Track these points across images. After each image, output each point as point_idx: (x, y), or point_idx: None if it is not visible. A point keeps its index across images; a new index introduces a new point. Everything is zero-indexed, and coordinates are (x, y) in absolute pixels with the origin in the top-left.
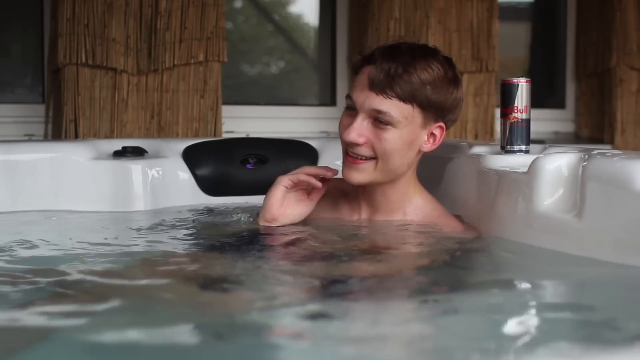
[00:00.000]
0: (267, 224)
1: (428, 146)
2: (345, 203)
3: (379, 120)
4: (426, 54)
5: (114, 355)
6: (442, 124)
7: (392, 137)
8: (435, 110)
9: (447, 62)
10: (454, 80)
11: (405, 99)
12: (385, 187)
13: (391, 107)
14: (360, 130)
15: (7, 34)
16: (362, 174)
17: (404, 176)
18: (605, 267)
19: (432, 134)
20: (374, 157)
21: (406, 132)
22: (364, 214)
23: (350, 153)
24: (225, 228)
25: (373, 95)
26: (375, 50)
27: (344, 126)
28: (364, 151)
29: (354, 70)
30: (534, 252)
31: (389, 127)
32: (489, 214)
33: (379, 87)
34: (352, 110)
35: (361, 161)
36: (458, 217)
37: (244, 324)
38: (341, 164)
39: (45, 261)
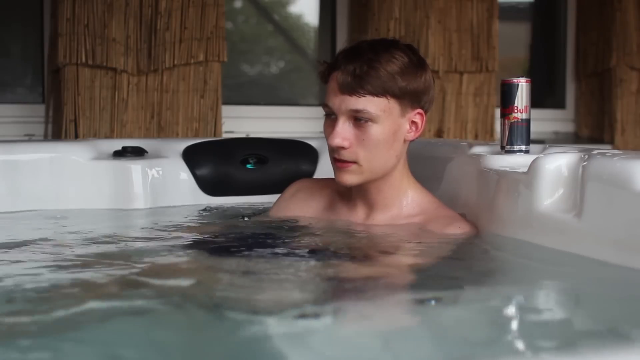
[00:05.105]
0: None
1: (412, 134)
2: (342, 203)
3: (358, 119)
4: (387, 46)
5: (117, 351)
6: (420, 110)
7: (374, 132)
8: (410, 96)
9: (410, 49)
10: (420, 64)
11: (377, 93)
12: (379, 183)
13: (366, 104)
14: (343, 133)
15: (7, 33)
16: (352, 176)
17: (395, 169)
18: (605, 268)
19: (413, 122)
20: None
21: (387, 124)
22: (361, 213)
23: (337, 157)
24: (223, 229)
25: (347, 98)
26: (339, 55)
27: (328, 132)
28: (349, 155)
29: (324, 79)
30: (534, 251)
31: (369, 123)
32: (489, 214)
33: (350, 89)
34: (331, 116)
35: (349, 163)
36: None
37: (238, 323)
38: None
39: (45, 261)
